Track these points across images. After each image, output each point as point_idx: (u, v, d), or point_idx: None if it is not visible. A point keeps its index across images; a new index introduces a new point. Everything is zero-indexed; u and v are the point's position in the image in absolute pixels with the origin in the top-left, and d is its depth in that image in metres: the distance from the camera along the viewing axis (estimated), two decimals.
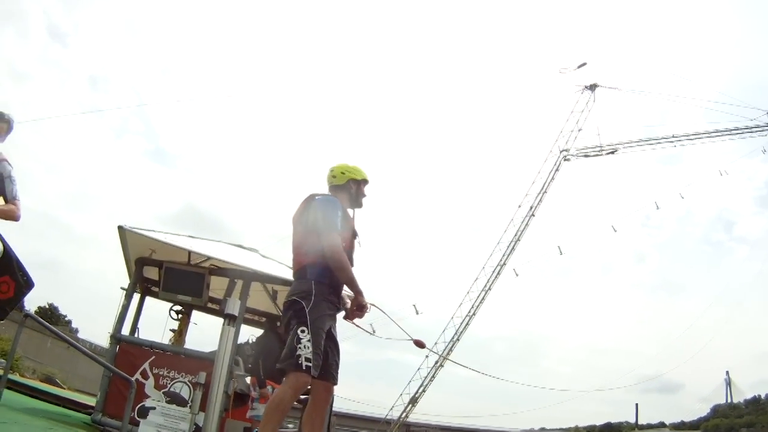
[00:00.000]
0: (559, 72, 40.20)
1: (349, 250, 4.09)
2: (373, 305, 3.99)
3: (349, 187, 4.31)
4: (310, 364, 3.62)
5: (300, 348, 3.64)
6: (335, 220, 3.95)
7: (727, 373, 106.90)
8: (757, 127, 38.09)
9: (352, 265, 4.07)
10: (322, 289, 3.87)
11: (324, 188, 4.38)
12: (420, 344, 4.23)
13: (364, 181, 4.41)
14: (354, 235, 4.21)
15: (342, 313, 4.11)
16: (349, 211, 4.33)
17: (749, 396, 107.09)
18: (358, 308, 3.95)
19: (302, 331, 3.69)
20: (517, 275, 37.53)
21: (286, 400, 3.71)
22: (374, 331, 4.15)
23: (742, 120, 38.25)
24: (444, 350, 36.96)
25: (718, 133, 39.01)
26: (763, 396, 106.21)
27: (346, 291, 4.09)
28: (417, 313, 36.42)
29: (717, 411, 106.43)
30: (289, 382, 3.66)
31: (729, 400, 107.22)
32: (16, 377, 11.64)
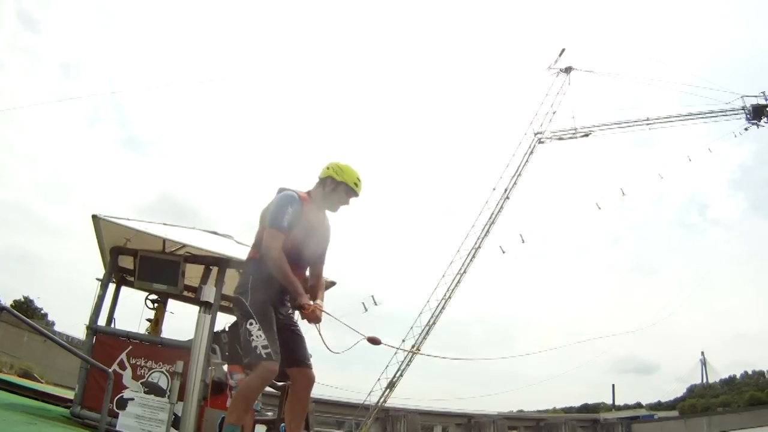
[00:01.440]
0: (548, 69, 40.39)
1: (298, 248, 3.98)
2: (317, 306, 3.87)
3: (325, 182, 4.15)
4: (269, 350, 3.65)
5: (253, 340, 3.68)
6: (281, 217, 3.87)
7: (703, 353, 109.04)
8: (732, 110, 38.45)
9: (298, 269, 4.00)
10: (260, 282, 3.84)
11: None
12: (374, 341, 4.10)
13: (346, 187, 4.13)
14: (310, 234, 4.06)
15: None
16: (319, 211, 4.19)
17: (725, 376, 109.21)
18: (298, 309, 3.88)
19: (251, 324, 3.73)
20: (504, 252, 37.70)
21: (252, 389, 3.79)
22: (333, 350, 3.99)
23: (716, 104, 38.59)
24: (419, 335, 37.23)
25: (693, 117, 39.37)
26: (738, 376, 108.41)
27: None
28: (375, 303, 36.83)
29: (693, 391, 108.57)
30: (256, 371, 3.69)
31: (705, 381, 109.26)
32: None
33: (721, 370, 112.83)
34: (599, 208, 38.20)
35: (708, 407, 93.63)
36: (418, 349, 34.74)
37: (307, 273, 4.25)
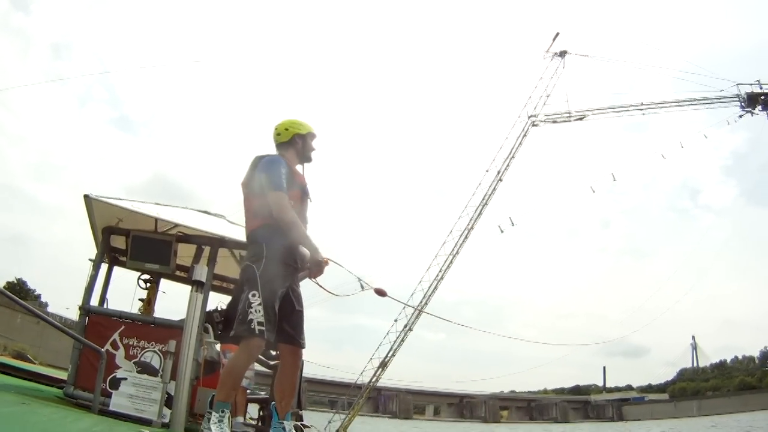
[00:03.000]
0: (544, 53, 40.34)
1: (299, 207, 4.04)
2: (330, 260, 3.89)
3: (294, 142, 4.24)
4: (263, 328, 3.63)
5: (251, 312, 3.66)
6: (280, 179, 3.89)
7: (693, 338, 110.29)
8: (726, 97, 38.54)
9: (303, 222, 4.05)
10: (274, 250, 3.82)
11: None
12: (381, 292, 4.17)
13: (311, 135, 4.32)
14: (303, 191, 4.15)
15: (304, 273, 4.05)
16: (298, 167, 4.28)
17: (715, 360, 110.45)
18: (315, 265, 3.86)
19: (253, 296, 3.70)
20: (502, 232, 37.78)
21: (239, 365, 3.78)
22: (334, 293, 4.04)
23: (710, 91, 38.67)
24: (412, 314, 37.39)
25: (687, 103, 39.42)
26: (728, 360, 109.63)
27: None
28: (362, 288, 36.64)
29: (683, 374, 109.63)
30: (243, 347, 3.71)
31: (695, 364, 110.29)
32: None
33: (711, 355, 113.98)
34: (593, 192, 38.27)
35: (698, 391, 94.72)
36: (421, 311, 34.97)
37: None
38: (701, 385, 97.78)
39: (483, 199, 38.57)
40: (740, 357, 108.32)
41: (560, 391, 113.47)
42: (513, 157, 39.18)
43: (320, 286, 3.97)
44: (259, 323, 3.61)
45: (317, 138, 4.36)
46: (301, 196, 4.09)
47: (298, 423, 5.30)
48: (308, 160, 4.32)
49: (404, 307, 37.37)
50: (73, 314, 7.49)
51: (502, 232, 37.84)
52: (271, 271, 3.76)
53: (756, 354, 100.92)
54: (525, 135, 39.52)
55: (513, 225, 37.78)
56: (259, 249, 3.84)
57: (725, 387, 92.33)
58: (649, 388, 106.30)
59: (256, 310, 3.64)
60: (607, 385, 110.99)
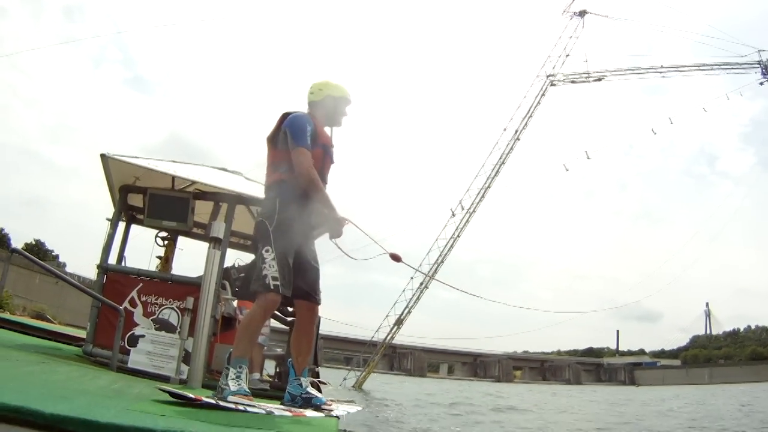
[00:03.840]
0: (562, 12, 39.73)
1: (321, 167, 3.99)
2: (349, 221, 3.85)
3: (325, 103, 4.16)
4: (278, 283, 3.62)
5: (265, 268, 3.66)
6: (304, 136, 3.84)
7: (707, 304, 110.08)
8: (748, 63, 37.94)
9: (324, 182, 4.01)
10: (287, 205, 3.79)
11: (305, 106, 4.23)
12: (396, 258, 4.12)
13: (344, 99, 4.23)
14: (326, 152, 4.09)
15: (319, 230, 4.03)
16: (327, 129, 4.21)
17: (728, 329, 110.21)
18: (334, 225, 3.83)
19: (266, 251, 3.69)
20: (511, 192, 37.73)
21: (255, 320, 3.78)
22: (351, 256, 4.01)
23: (731, 56, 38.02)
24: (429, 271, 37.56)
25: (707, 67, 38.87)
26: (741, 329, 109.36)
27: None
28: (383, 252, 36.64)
29: (696, 341, 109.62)
30: (259, 302, 3.71)
31: (708, 332, 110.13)
32: (6, 315, 11.66)
33: (724, 323, 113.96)
34: (631, 147, 38.18)
35: (710, 358, 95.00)
36: (433, 276, 35.18)
37: None
38: (713, 353, 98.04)
39: (500, 158, 38.56)
40: (753, 327, 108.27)
41: (573, 353, 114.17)
42: (531, 116, 39.05)
43: (339, 248, 3.94)
44: (274, 278, 3.61)
45: (351, 104, 4.28)
46: (323, 156, 4.03)
47: (315, 380, 5.31)
48: (337, 123, 4.26)
49: (421, 265, 37.67)
50: (92, 273, 7.54)
51: (514, 192, 37.82)
52: (283, 227, 3.73)
53: None
54: (543, 94, 39.29)
55: (530, 184, 37.64)
56: (273, 204, 3.82)
57: (737, 356, 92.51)
58: (662, 354, 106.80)
59: (270, 266, 3.63)
60: (620, 349, 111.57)
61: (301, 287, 3.83)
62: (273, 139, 4.00)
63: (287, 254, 3.71)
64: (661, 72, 39.45)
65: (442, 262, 38.39)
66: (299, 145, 3.80)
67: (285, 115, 4.01)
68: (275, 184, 3.90)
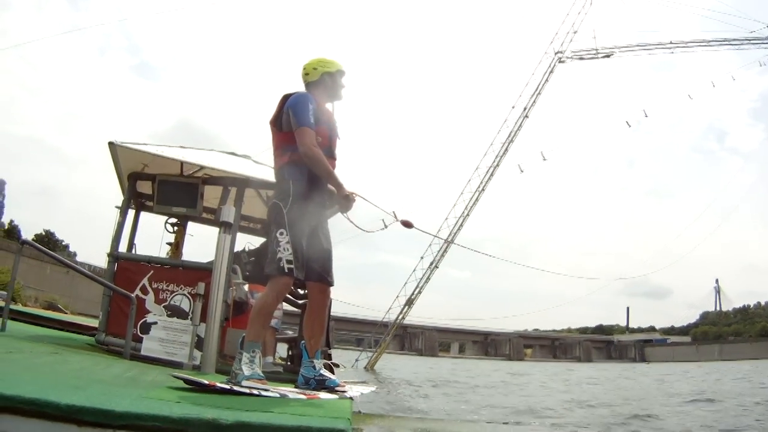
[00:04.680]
0: None
1: (328, 144, 3.96)
2: (356, 194, 3.84)
3: (323, 81, 4.12)
4: (292, 266, 3.61)
5: (280, 251, 3.63)
6: (307, 115, 3.80)
7: (717, 281, 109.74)
8: (757, 39, 37.62)
9: (333, 159, 3.99)
10: (301, 187, 3.78)
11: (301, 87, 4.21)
12: (407, 224, 4.11)
13: (340, 72, 4.19)
14: (331, 129, 4.06)
15: (332, 210, 4.02)
16: (328, 105, 4.19)
17: (738, 305, 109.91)
18: (343, 200, 3.81)
19: (281, 234, 3.66)
20: (522, 171, 37.54)
21: (268, 304, 3.74)
22: (364, 229, 4.01)
23: (740, 31, 37.69)
24: (438, 251, 37.65)
25: (716, 43, 38.57)
26: (752, 306, 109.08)
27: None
28: (384, 226, 36.71)
29: (706, 318, 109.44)
30: (271, 286, 3.67)
31: (719, 308, 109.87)
32: (18, 307, 11.73)
33: (734, 299, 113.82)
34: (629, 126, 37.90)
35: (720, 335, 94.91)
36: (451, 241, 35.22)
37: None
38: (723, 330, 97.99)
39: (509, 135, 38.43)
40: (763, 303, 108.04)
41: (584, 331, 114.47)
42: (539, 93, 38.77)
43: (350, 221, 3.93)
44: (288, 261, 3.59)
45: (347, 75, 4.24)
46: (329, 134, 3.99)
47: (328, 361, 5.32)
48: (338, 98, 4.23)
49: (431, 244, 37.76)
50: (103, 262, 7.57)
51: (522, 171, 37.63)
52: (298, 209, 3.72)
53: None
54: (551, 71, 39.04)
55: (545, 159, 37.43)
56: (286, 186, 3.79)
57: (747, 333, 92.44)
58: (672, 330, 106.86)
59: (284, 249, 3.61)
60: (631, 326, 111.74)
61: (314, 269, 3.82)
62: (276, 122, 3.97)
63: (301, 236, 3.70)
64: (669, 48, 39.17)
65: (452, 240, 38.38)
66: (301, 125, 3.77)
67: (286, 97, 3.97)
68: (286, 165, 3.87)
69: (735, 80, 39.86)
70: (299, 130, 3.76)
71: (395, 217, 4.09)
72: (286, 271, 3.58)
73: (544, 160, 37.13)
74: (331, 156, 3.96)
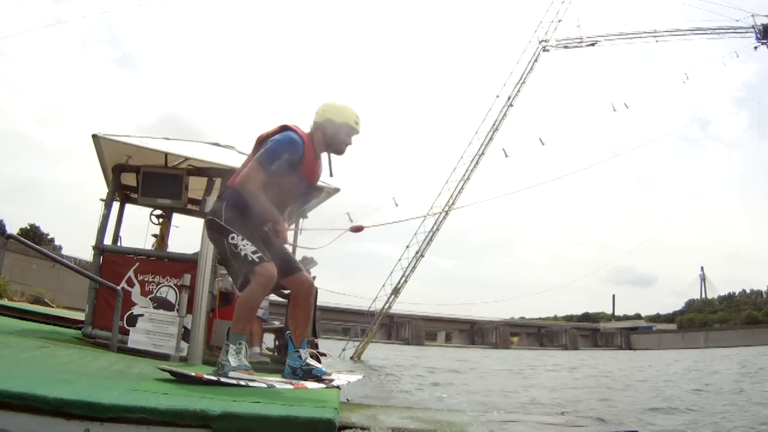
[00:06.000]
0: None
1: (285, 199, 3.87)
2: (289, 228, 3.88)
3: (323, 126, 3.88)
4: (260, 254, 3.58)
5: (241, 249, 3.58)
6: (273, 160, 3.66)
7: (702, 269, 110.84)
8: (741, 28, 38.01)
9: (282, 210, 3.87)
10: (232, 213, 3.70)
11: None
12: (357, 229, 4.16)
13: (346, 126, 3.90)
14: (300, 186, 3.92)
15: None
16: (324, 155, 4.00)
17: (723, 293, 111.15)
18: (273, 234, 3.77)
19: (232, 238, 3.62)
20: (507, 156, 37.66)
21: (253, 296, 3.67)
22: (312, 247, 4.04)
23: (725, 20, 38.03)
24: (424, 240, 37.82)
25: (701, 32, 38.87)
26: (737, 293, 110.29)
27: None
28: (396, 205, 36.84)
29: (691, 305, 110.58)
30: (253, 278, 3.59)
31: (704, 296, 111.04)
32: (4, 302, 11.65)
33: (719, 287, 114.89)
34: (614, 110, 38.04)
35: (705, 322, 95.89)
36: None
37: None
38: (709, 317, 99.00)
39: (493, 125, 38.48)
40: (748, 291, 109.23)
41: (570, 318, 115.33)
42: (524, 82, 38.87)
43: (296, 246, 3.94)
44: (253, 252, 3.55)
45: (357, 134, 3.98)
46: (293, 189, 3.88)
47: (314, 351, 5.35)
48: (337, 152, 3.98)
49: (415, 234, 37.86)
50: (88, 255, 7.54)
51: (506, 156, 37.75)
52: (233, 215, 3.67)
53: (764, 288, 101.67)
54: (536, 60, 39.10)
55: (543, 144, 37.51)
56: (219, 206, 3.76)
57: (732, 320, 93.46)
58: (658, 318, 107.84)
59: (243, 246, 3.57)
60: (617, 314, 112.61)
61: (281, 267, 3.77)
62: (260, 143, 3.89)
63: (250, 233, 3.66)
64: (654, 36, 39.38)
65: (438, 229, 38.56)
66: (259, 162, 3.67)
67: (283, 127, 3.85)
68: (227, 188, 3.88)
69: (725, 66, 40.24)
70: (254, 164, 3.69)
71: (344, 229, 4.09)
72: (256, 260, 3.54)
73: (543, 144, 37.29)
74: (280, 212, 3.82)
